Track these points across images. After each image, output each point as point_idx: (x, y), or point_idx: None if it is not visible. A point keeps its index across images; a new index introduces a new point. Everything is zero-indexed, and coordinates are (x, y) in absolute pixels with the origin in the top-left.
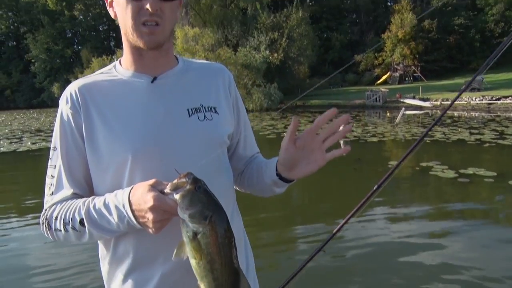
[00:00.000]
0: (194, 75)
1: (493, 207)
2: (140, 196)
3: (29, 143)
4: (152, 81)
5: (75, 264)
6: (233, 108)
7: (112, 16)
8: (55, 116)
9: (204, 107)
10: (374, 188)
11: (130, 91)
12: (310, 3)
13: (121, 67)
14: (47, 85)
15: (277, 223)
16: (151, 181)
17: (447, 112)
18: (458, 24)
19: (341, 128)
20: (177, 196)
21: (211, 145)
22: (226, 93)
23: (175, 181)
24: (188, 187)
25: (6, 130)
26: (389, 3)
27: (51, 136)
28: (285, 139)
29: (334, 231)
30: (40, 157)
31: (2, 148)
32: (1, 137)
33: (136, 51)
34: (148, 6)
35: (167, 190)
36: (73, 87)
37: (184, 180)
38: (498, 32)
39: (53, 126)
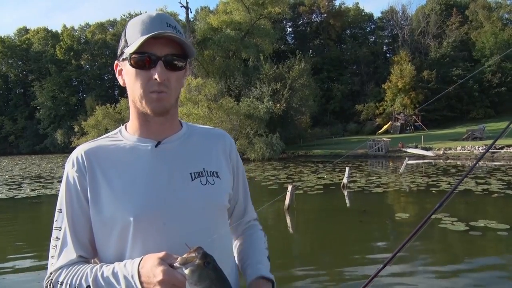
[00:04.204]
0: (197, 140)
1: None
2: (150, 269)
3: (28, 189)
4: (156, 146)
5: None
6: (233, 172)
7: (121, 83)
8: (56, 162)
9: (207, 171)
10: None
11: (135, 155)
12: (312, 55)
13: (127, 132)
14: (51, 132)
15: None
16: (161, 254)
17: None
18: (456, 74)
19: None
20: (186, 271)
21: (213, 208)
22: (226, 157)
23: (185, 256)
24: (197, 262)
25: (7, 176)
26: (388, 55)
27: (51, 183)
28: None
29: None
30: (39, 204)
31: (0, 195)
32: (1, 183)
33: (143, 117)
34: (156, 76)
35: (176, 264)
36: (79, 151)
37: (193, 255)
38: (496, 82)
39: (54, 173)
